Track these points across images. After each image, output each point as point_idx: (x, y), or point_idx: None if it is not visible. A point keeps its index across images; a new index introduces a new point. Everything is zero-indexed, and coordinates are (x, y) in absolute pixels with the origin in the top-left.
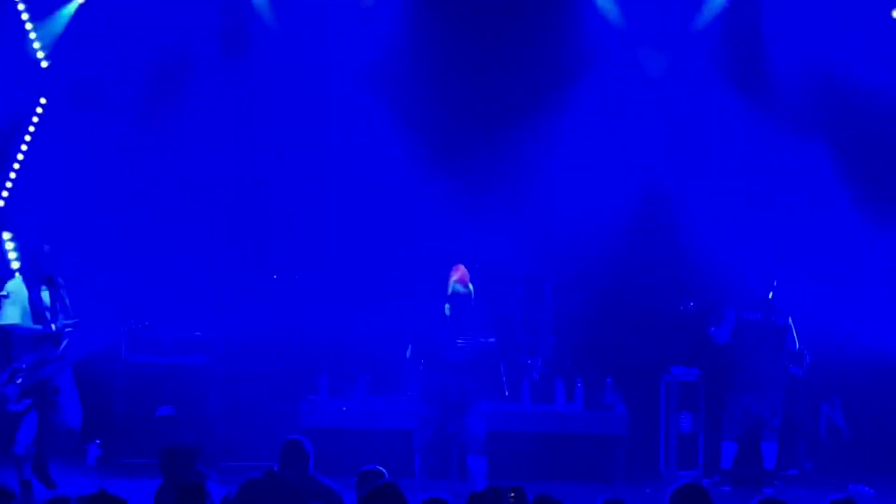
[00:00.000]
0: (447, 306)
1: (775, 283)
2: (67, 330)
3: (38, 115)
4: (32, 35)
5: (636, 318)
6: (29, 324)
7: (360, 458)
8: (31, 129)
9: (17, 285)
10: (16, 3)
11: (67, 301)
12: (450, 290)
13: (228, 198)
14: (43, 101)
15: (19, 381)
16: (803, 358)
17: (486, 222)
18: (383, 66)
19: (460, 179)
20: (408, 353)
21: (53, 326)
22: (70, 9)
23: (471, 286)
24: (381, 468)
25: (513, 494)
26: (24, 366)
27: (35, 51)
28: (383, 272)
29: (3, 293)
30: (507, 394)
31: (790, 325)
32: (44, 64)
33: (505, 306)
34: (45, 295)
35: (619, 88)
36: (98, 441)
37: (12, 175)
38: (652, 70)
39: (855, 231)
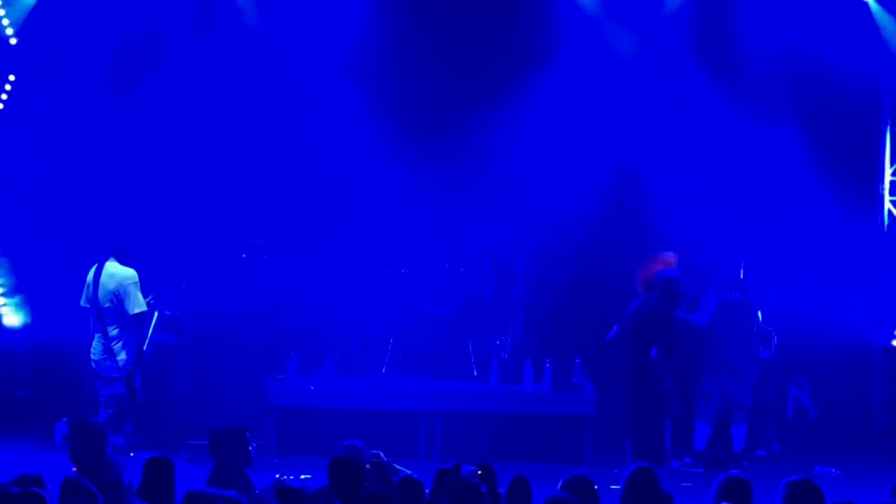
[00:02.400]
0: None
1: (743, 263)
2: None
3: (7, 92)
4: (1, 12)
5: (605, 299)
6: None
7: (328, 437)
8: (0, 106)
9: (131, 272)
10: None
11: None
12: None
13: (198, 176)
14: (12, 78)
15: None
16: (770, 339)
17: (457, 202)
18: (354, 48)
19: (431, 160)
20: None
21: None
22: None
23: None
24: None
25: (480, 472)
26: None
27: (4, 28)
28: (353, 252)
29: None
30: (475, 373)
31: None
32: (13, 41)
33: (474, 286)
34: None
35: (590, 70)
36: (66, 419)
37: None
38: (623, 52)
39: (824, 213)
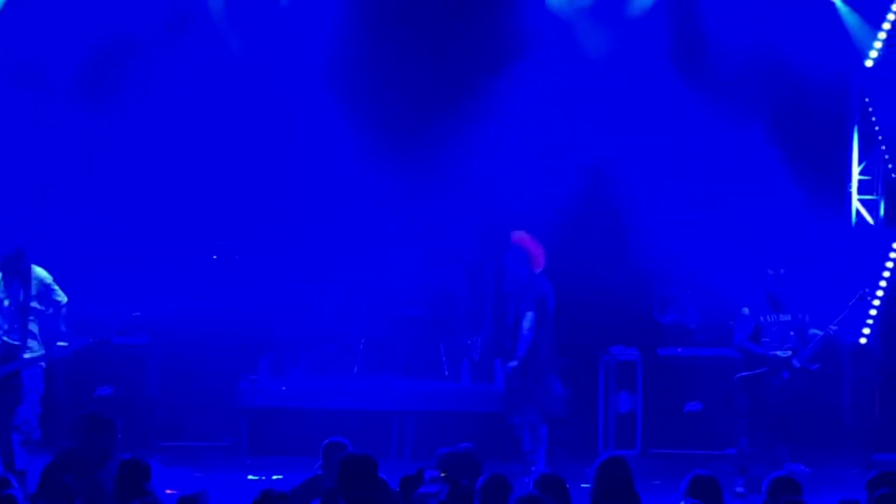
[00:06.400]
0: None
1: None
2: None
3: None
4: None
5: (575, 299)
6: None
7: (300, 438)
8: None
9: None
10: None
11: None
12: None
13: (170, 178)
14: None
15: None
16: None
17: (429, 204)
18: (326, 50)
19: (403, 162)
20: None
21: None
22: None
23: None
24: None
25: (443, 474)
26: None
27: None
28: (327, 253)
29: None
30: (446, 373)
31: None
32: None
33: (447, 286)
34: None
35: (561, 70)
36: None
37: None
38: (593, 51)
39: (793, 212)
